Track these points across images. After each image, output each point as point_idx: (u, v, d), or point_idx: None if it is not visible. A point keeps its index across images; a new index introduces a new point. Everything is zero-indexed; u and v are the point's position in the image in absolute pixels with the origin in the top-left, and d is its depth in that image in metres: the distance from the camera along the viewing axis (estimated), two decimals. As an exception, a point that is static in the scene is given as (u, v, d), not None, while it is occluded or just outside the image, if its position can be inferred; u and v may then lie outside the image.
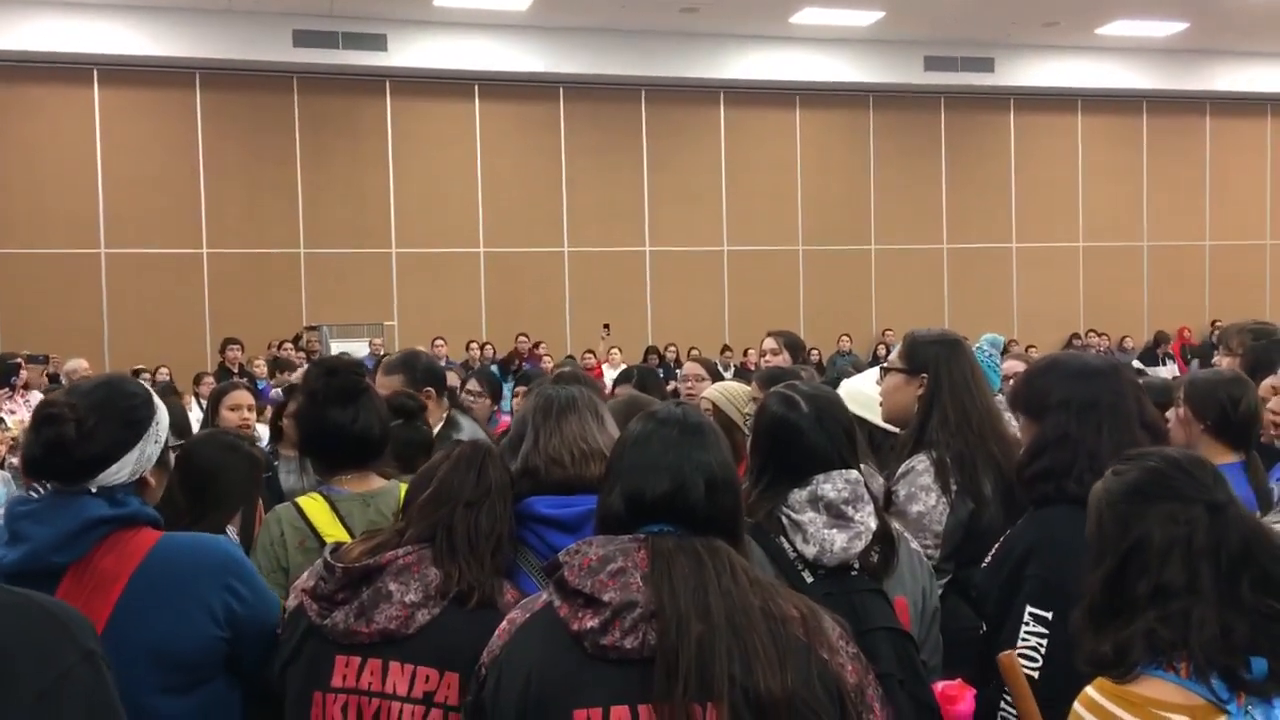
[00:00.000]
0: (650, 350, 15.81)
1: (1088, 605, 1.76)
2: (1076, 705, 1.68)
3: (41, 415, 2.01)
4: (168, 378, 12.34)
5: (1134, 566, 1.70)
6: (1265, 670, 1.59)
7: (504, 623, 1.74)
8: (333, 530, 2.60)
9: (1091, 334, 18.05)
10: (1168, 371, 15.69)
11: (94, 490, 2.00)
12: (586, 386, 2.57)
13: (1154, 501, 1.72)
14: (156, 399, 2.17)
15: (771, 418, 2.29)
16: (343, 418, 2.70)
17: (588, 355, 15.08)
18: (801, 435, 2.23)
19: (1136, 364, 14.29)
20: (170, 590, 1.99)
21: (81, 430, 1.99)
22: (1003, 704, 2.20)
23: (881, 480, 2.37)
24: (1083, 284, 18.91)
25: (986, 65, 17.47)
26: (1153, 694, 1.62)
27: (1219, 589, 1.64)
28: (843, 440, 2.26)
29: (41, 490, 2.10)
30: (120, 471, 2.03)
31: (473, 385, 5.17)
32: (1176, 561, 1.67)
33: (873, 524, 2.18)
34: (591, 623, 1.61)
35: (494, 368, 12.73)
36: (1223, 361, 4.30)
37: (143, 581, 1.97)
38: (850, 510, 2.15)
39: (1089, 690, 1.69)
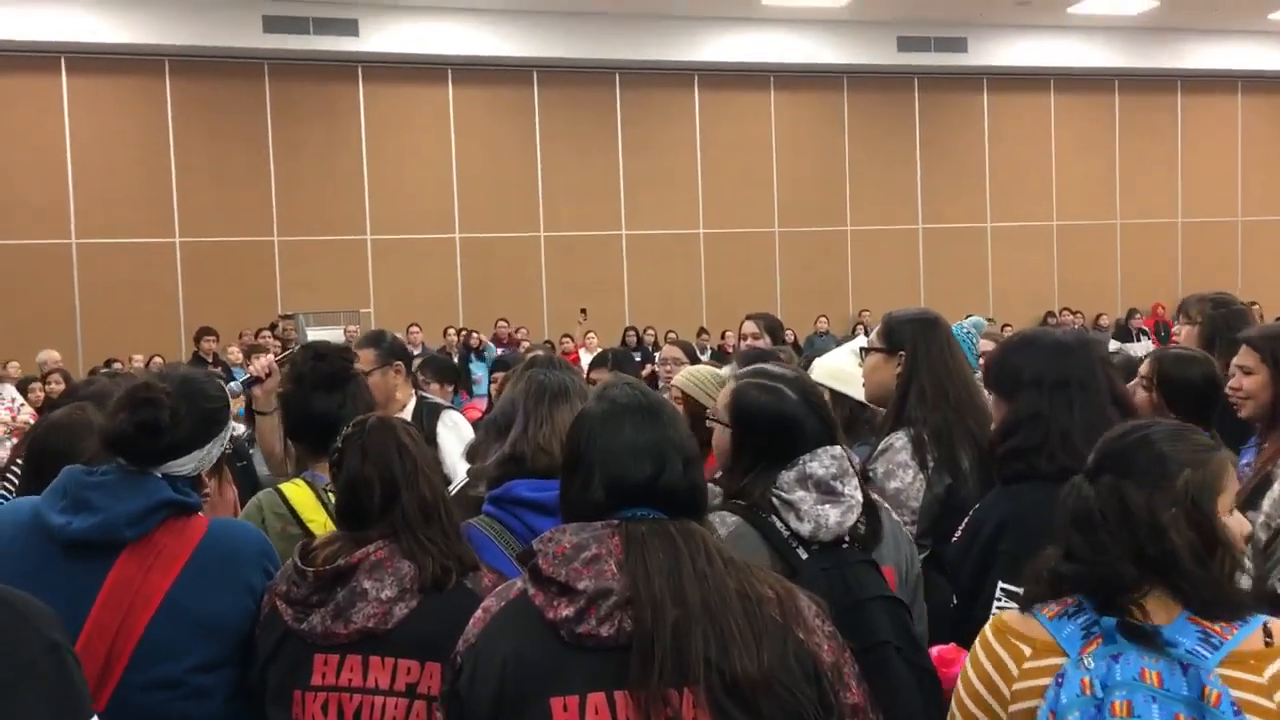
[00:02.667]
0: (629, 330, 15.83)
1: None
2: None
3: (140, 397, 2.11)
4: (142, 365, 12.24)
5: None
6: (1112, 625, 1.66)
7: (479, 611, 1.74)
8: (316, 515, 2.60)
9: (1066, 312, 18.17)
10: (1142, 348, 15.81)
11: (159, 476, 2.12)
12: (565, 371, 2.58)
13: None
14: (230, 405, 2.30)
15: (763, 408, 2.23)
16: (329, 403, 2.71)
17: (565, 339, 15.08)
18: (799, 423, 2.20)
19: (1114, 344, 14.37)
20: (222, 570, 2.10)
21: (173, 418, 2.10)
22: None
23: (856, 458, 2.39)
24: (1057, 262, 19.02)
25: (960, 45, 17.51)
26: (1015, 624, 1.76)
27: (1066, 538, 1.76)
28: (829, 419, 2.27)
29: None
30: (186, 464, 2.15)
31: (419, 376, 5.14)
32: (1063, 526, 1.78)
33: (859, 496, 2.20)
34: (567, 611, 1.61)
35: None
36: (1182, 331, 4.36)
37: (200, 561, 2.08)
38: (839, 485, 2.16)
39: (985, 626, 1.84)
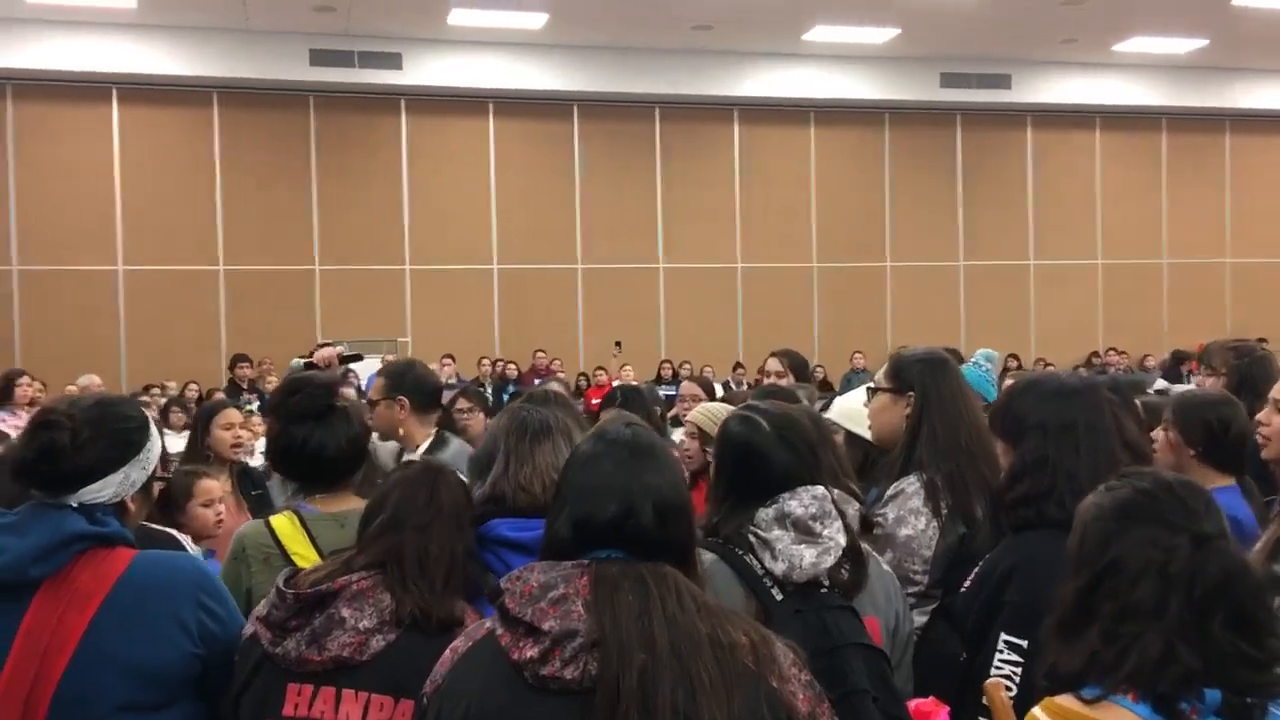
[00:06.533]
0: (664, 363, 15.81)
1: (1057, 618, 1.76)
2: None
3: (39, 420, 2.05)
4: (175, 393, 12.37)
5: (1105, 586, 1.69)
6: (1218, 700, 1.56)
7: (447, 651, 1.71)
8: (301, 549, 2.58)
9: (1111, 352, 17.89)
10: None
11: (75, 506, 2.02)
12: (559, 408, 2.54)
13: (1137, 523, 1.70)
14: (153, 427, 2.18)
15: (733, 439, 2.27)
16: (300, 435, 2.68)
17: (599, 372, 15.07)
18: (765, 455, 2.21)
19: (1161, 383, 14.08)
20: (146, 607, 1.99)
21: (75, 441, 2.01)
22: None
23: (857, 506, 2.33)
24: (1102, 301, 18.77)
25: (1003, 82, 17.40)
26: (1099, 714, 1.60)
27: (1184, 620, 1.61)
28: (807, 458, 2.23)
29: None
30: (103, 490, 2.05)
31: (461, 403, 5.12)
32: (1147, 586, 1.64)
33: (842, 540, 2.14)
34: (531, 652, 1.57)
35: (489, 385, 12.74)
36: (1206, 381, 4.24)
37: (119, 598, 1.97)
38: (818, 526, 2.12)
39: (1035, 709, 1.68)
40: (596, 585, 1.60)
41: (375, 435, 3.84)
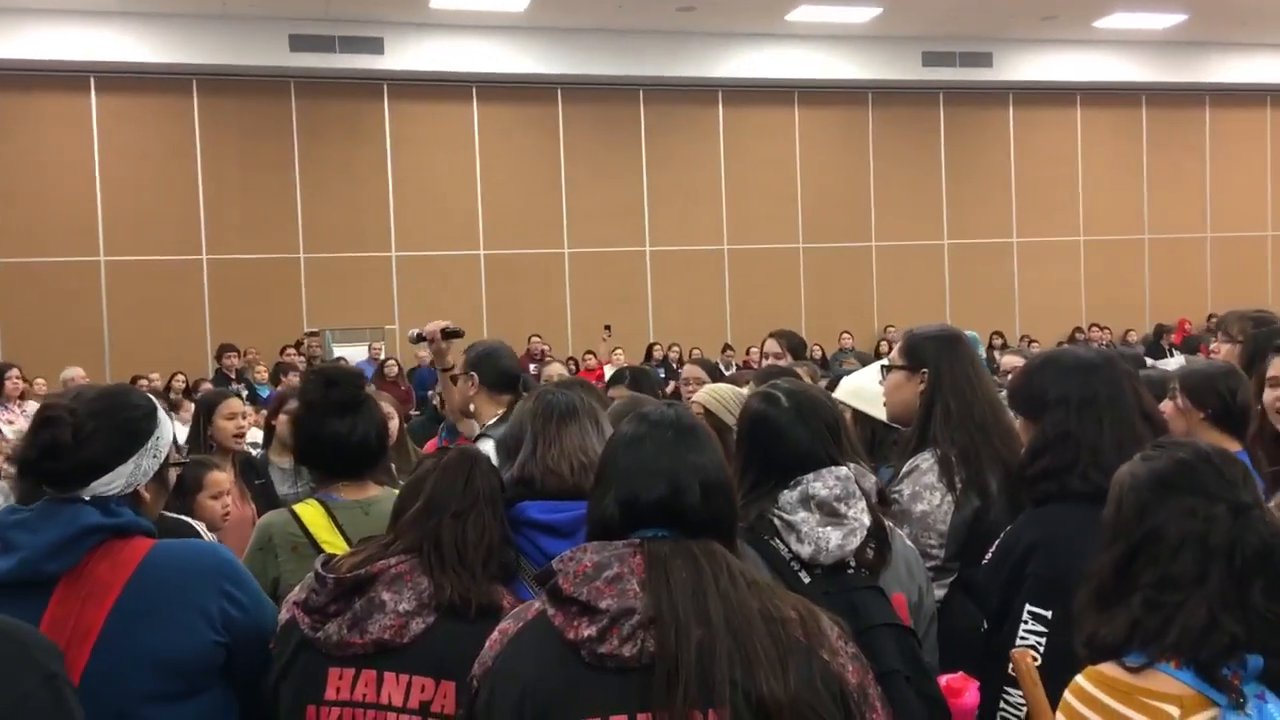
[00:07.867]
0: (653, 346, 15.81)
1: (1094, 588, 1.77)
2: (1067, 693, 1.69)
3: (41, 418, 2.02)
4: (160, 384, 12.30)
5: (1144, 555, 1.70)
6: (1260, 666, 1.58)
7: (495, 633, 1.71)
8: (329, 537, 2.58)
9: (1094, 328, 18.02)
10: (1175, 364, 15.58)
11: (87, 499, 1.98)
12: (584, 390, 2.54)
13: (1176, 493, 1.71)
14: (161, 414, 2.14)
15: (751, 415, 2.28)
16: (341, 428, 2.68)
17: (589, 356, 15.07)
18: (780, 431, 2.22)
19: (1151, 363, 14.17)
20: (165, 596, 1.96)
21: (78, 435, 1.98)
22: (1003, 703, 2.18)
23: (874, 479, 2.35)
24: (1084, 277, 18.87)
25: (985, 60, 17.44)
26: (1142, 681, 1.62)
27: (1224, 589, 1.63)
28: (825, 436, 2.23)
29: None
30: (114, 482, 2.02)
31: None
32: (1187, 556, 1.66)
33: (866, 520, 2.16)
34: (588, 631, 1.58)
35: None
36: (1221, 349, 4.26)
37: (137, 589, 1.94)
38: (843, 507, 2.13)
39: (1079, 678, 1.69)
40: (650, 563, 1.62)
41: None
